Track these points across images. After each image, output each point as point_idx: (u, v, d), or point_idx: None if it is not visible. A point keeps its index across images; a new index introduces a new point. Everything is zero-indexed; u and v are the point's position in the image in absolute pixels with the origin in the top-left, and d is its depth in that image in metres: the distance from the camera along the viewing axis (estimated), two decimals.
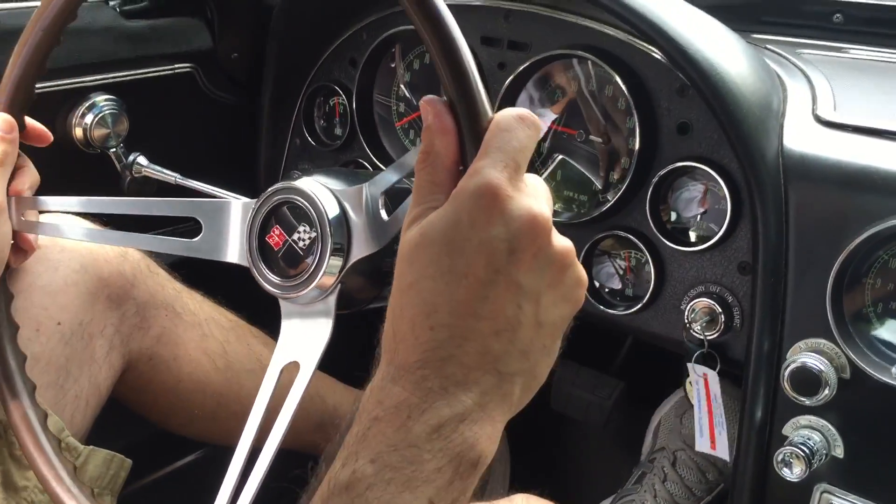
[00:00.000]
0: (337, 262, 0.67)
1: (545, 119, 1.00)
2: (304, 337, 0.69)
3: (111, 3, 1.12)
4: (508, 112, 0.53)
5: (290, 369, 0.67)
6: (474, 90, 0.54)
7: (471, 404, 0.49)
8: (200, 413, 1.01)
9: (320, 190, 0.69)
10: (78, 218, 0.83)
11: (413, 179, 0.61)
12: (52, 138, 0.77)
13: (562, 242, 0.52)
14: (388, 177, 0.66)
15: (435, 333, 0.49)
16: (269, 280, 0.70)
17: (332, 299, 0.68)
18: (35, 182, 0.76)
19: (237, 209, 0.71)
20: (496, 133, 0.51)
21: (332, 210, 0.68)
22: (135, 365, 0.94)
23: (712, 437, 0.90)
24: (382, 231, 0.66)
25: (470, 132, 0.54)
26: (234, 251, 0.71)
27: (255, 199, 0.70)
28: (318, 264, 0.68)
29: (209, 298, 1.04)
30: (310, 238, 0.69)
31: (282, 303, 0.70)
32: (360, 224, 0.67)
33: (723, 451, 0.90)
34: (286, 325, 0.70)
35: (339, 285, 0.68)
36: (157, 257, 1.00)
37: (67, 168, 1.09)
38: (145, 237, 0.78)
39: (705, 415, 0.89)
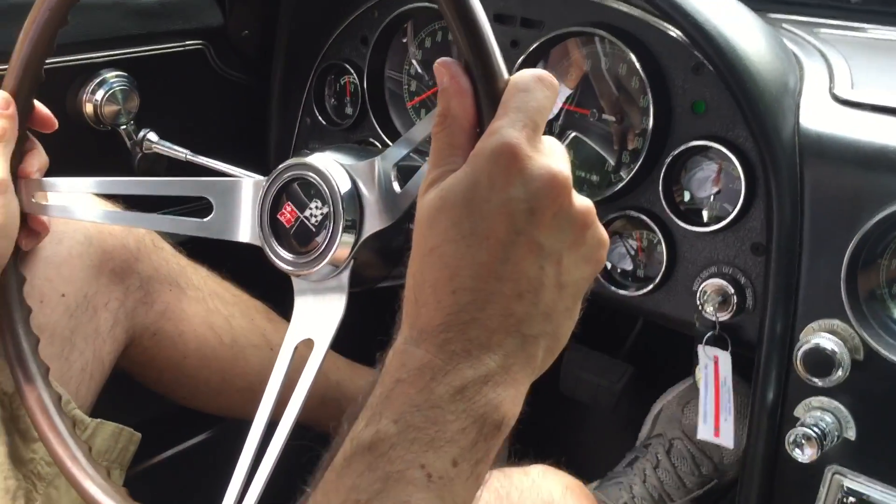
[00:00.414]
0: (349, 237, 0.67)
1: (559, 96, 0.99)
2: (318, 314, 0.69)
3: None
4: (527, 72, 0.52)
5: (304, 346, 0.67)
6: (490, 50, 0.53)
7: (494, 366, 0.49)
8: (205, 387, 1.01)
9: (332, 165, 0.69)
10: (88, 198, 0.83)
11: (423, 152, 0.60)
12: (56, 125, 0.76)
13: (582, 202, 0.52)
14: (399, 150, 0.66)
15: (457, 297, 0.49)
16: (281, 257, 0.69)
17: (346, 275, 0.68)
18: (44, 164, 0.76)
19: (248, 188, 0.71)
20: (514, 93, 0.51)
21: (343, 185, 0.68)
22: (138, 340, 0.95)
23: (717, 425, 0.88)
24: (395, 204, 0.65)
25: (487, 93, 0.53)
26: (245, 231, 0.71)
27: (266, 177, 0.70)
28: (330, 240, 0.67)
29: (214, 272, 1.04)
30: (322, 214, 0.68)
31: (294, 280, 0.70)
32: (372, 198, 0.67)
33: (727, 440, 0.89)
34: (299, 303, 0.70)
35: (352, 261, 0.68)
36: (164, 233, 1.00)
37: (78, 145, 1.09)
38: (156, 217, 0.78)
39: (711, 399, 0.88)
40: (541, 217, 0.49)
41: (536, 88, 0.51)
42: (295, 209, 0.71)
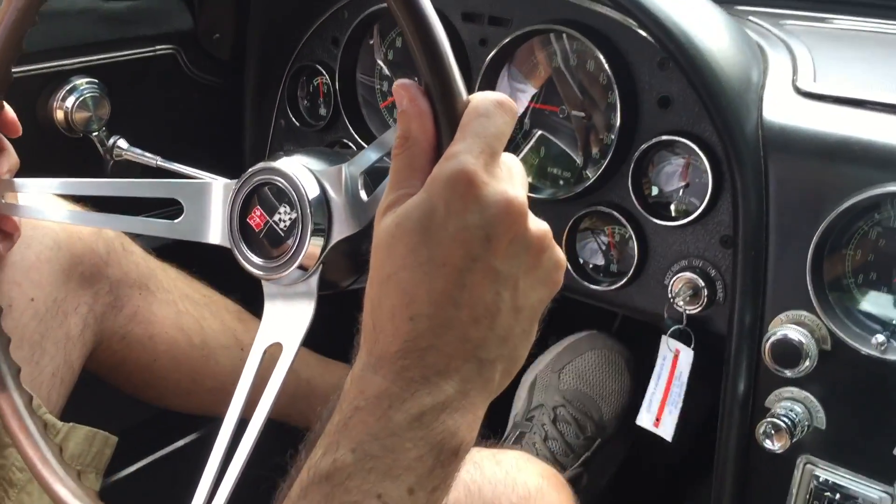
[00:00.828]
0: (318, 242, 0.67)
1: (525, 94, 1.00)
2: (287, 318, 0.69)
3: None
4: (486, 96, 0.52)
5: (273, 350, 0.68)
6: (449, 72, 0.53)
7: (452, 392, 0.49)
8: (175, 388, 1.01)
9: (300, 170, 0.69)
10: (59, 200, 0.83)
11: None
12: (20, 131, 0.76)
13: (538, 226, 0.52)
14: (369, 155, 0.66)
15: (415, 324, 0.49)
16: (250, 261, 0.70)
17: (314, 280, 0.69)
18: (14, 165, 0.76)
19: (218, 190, 0.71)
20: (474, 117, 0.51)
21: (312, 190, 0.68)
22: (108, 344, 0.95)
23: (659, 415, 0.89)
24: (363, 211, 0.66)
25: (445, 116, 0.53)
26: (216, 232, 0.71)
27: (236, 180, 0.70)
28: (298, 245, 0.67)
29: (184, 273, 1.04)
30: (290, 219, 0.69)
31: (264, 284, 0.70)
32: (340, 204, 0.67)
33: (666, 432, 0.90)
34: (269, 307, 0.70)
35: (321, 266, 0.68)
36: (135, 235, 1.00)
37: (49, 152, 1.09)
38: (127, 219, 0.77)
39: (660, 391, 0.89)
40: (497, 244, 0.49)
41: (496, 113, 0.51)
42: (264, 213, 0.71)
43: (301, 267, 0.68)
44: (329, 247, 0.67)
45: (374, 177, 0.66)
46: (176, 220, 0.71)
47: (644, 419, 0.91)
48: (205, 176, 1.02)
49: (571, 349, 1.20)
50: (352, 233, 0.67)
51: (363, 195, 0.65)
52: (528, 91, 0.99)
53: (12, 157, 0.75)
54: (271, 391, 0.65)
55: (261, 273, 0.69)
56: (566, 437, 1.13)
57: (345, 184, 0.67)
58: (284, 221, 0.69)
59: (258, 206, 0.70)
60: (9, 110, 0.75)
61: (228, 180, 0.71)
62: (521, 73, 1.00)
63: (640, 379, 1.20)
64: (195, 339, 1.02)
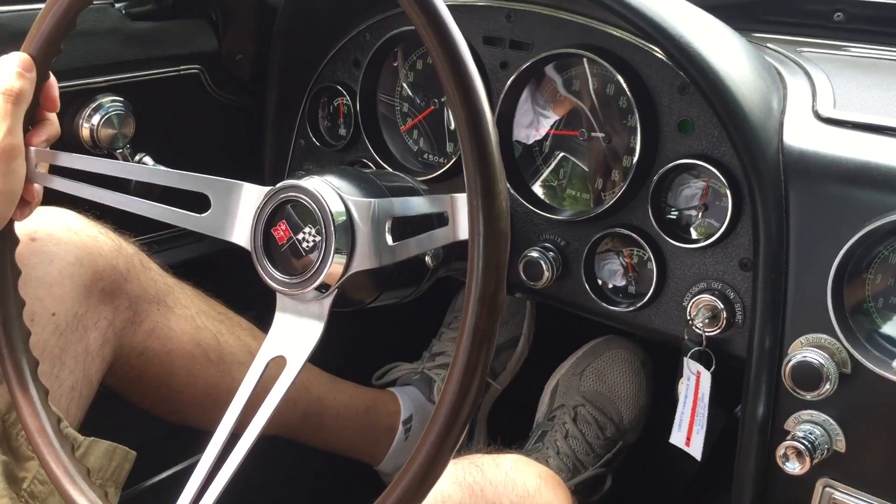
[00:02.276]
0: (338, 268, 0.69)
1: (548, 119, 1.01)
2: (295, 334, 0.70)
3: (117, 6, 1.13)
4: None
5: (277, 362, 0.69)
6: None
7: None
8: (191, 404, 1.02)
9: (330, 194, 0.70)
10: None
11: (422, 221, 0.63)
12: (58, 107, 0.77)
13: None
14: (401, 206, 0.68)
15: None
16: (269, 273, 0.71)
17: (328, 302, 0.70)
18: (54, 136, 0.77)
19: (248, 193, 0.72)
20: None
21: (339, 216, 0.69)
22: (126, 359, 0.96)
23: (689, 434, 0.90)
24: (385, 253, 0.68)
25: None
26: (239, 234, 0.72)
27: (268, 188, 0.71)
28: (318, 267, 0.69)
29: (200, 290, 1.05)
30: (314, 240, 0.70)
31: (278, 297, 0.72)
32: (364, 238, 0.68)
33: (696, 451, 0.90)
34: (280, 318, 0.71)
35: (337, 290, 0.70)
36: (151, 252, 1.01)
37: (75, 169, 1.11)
38: (154, 206, 0.77)
39: (689, 410, 0.90)
40: None
41: None
42: (289, 229, 0.73)
43: (319, 288, 0.69)
44: (348, 274, 0.69)
45: (402, 224, 0.68)
46: (203, 214, 0.72)
47: (676, 438, 0.91)
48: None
49: (591, 352, 1.24)
50: (371, 267, 0.68)
51: (388, 239, 0.67)
52: (551, 116, 1.01)
53: (53, 128, 0.77)
54: (270, 404, 0.66)
55: (277, 286, 0.71)
56: (587, 436, 1.16)
57: (373, 218, 0.68)
58: (308, 242, 0.71)
59: (284, 221, 0.72)
60: (53, 84, 0.76)
61: (259, 186, 0.72)
62: (543, 98, 1.01)
63: (655, 380, 1.23)
64: (212, 354, 1.02)
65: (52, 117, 0.77)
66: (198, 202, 0.73)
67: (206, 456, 0.67)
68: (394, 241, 0.67)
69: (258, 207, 0.71)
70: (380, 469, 1.25)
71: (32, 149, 0.75)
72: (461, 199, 0.61)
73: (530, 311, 1.34)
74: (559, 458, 1.15)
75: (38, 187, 0.76)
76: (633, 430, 1.21)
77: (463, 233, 0.61)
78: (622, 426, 1.19)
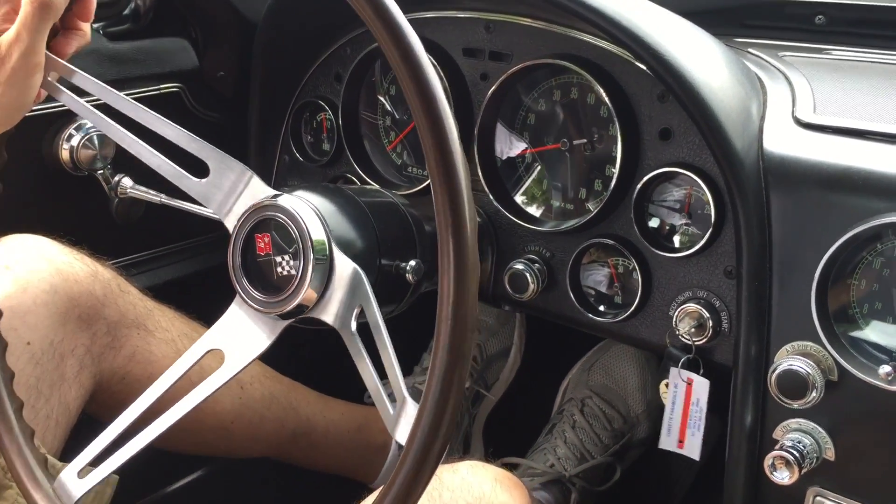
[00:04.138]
0: (308, 301, 0.72)
1: (517, 147, 1.01)
2: (244, 337, 0.73)
3: (94, 26, 1.13)
4: None
5: (215, 355, 0.71)
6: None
7: None
8: (177, 428, 1.01)
9: (317, 230, 0.73)
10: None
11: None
12: (91, 18, 0.76)
13: None
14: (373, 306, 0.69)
15: None
16: (239, 280, 0.74)
17: (283, 325, 0.73)
18: (82, 47, 0.75)
19: (253, 186, 0.74)
20: None
21: (319, 264, 0.72)
22: (107, 385, 0.95)
23: (681, 437, 0.90)
24: (344, 326, 0.70)
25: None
26: (229, 217, 0.74)
27: (272, 192, 0.74)
28: (290, 296, 0.72)
29: (181, 313, 1.05)
30: (289, 269, 0.71)
31: (238, 297, 0.74)
32: (336, 298, 0.71)
33: (692, 452, 0.90)
34: (232, 314, 0.74)
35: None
36: (129, 274, 1.00)
37: (55, 190, 1.10)
38: (155, 154, 0.78)
39: (678, 416, 0.90)
40: None
41: None
42: (271, 246, 0.73)
43: (284, 315, 0.70)
44: (304, 316, 0.72)
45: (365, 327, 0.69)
46: (200, 180, 0.73)
47: (665, 442, 0.92)
48: (208, 212, 1.03)
49: (599, 349, 1.27)
50: (327, 323, 0.71)
51: (353, 325, 0.69)
52: (520, 144, 1.01)
53: (83, 39, 0.75)
54: (196, 396, 0.67)
55: (243, 294, 0.73)
56: (594, 427, 1.18)
57: (350, 285, 0.71)
58: (283, 268, 0.72)
59: (268, 234, 0.73)
60: None
61: (266, 186, 0.74)
62: (523, 106, 1.00)
63: (659, 372, 1.23)
64: (194, 377, 1.02)
65: (85, 27, 0.75)
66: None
67: (105, 434, 0.67)
68: (356, 329, 0.69)
69: (251, 207, 0.73)
70: (374, 486, 1.24)
71: (50, 57, 0.72)
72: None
73: (520, 319, 1.34)
74: (566, 447, 1.17)
75: (42, 93, 0.74)
76: (642, 424, 1.22)
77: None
78: (630, 419, 1.21)
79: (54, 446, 0.87)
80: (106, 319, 0.94)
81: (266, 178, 1.25)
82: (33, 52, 0.69)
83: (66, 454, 0.88)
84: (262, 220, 0.73)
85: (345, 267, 0.71)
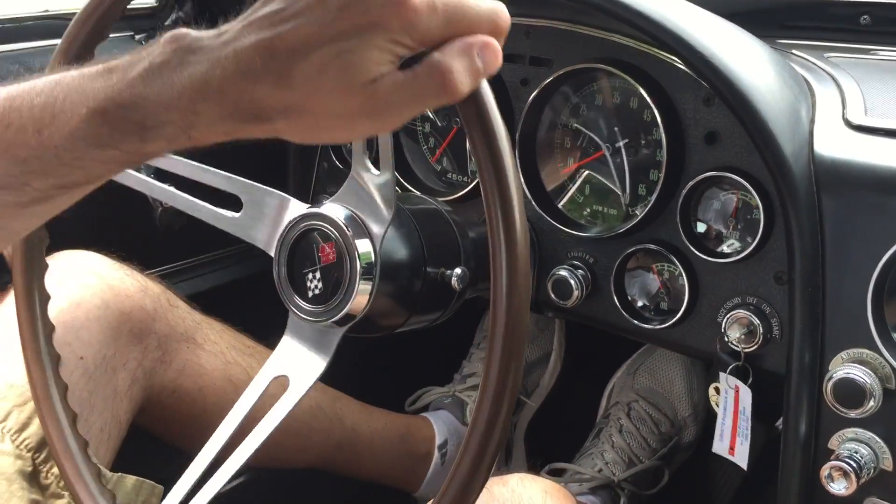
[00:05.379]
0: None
1: (563, 163, 1.00)
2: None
3: (136, 38, 1.14)
4: None
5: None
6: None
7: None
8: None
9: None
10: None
11: None
12: None
13: None
14: None
15: None
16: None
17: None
18: None
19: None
20: None
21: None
22: (157, 399, 0.96)
23: (732, 444, 0.89)
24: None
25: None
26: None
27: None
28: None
29: (228, 324, 1.05)
30: (320, 284, 0.73)
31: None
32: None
33: (741, 460, 0.89)
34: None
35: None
36: (177, 288, 1.01)
37: (99, 199, 1.10)
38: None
39: (730, 421, 0.89)
40: None
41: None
42: (315, 264, 0.74)
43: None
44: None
45: None
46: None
47: (718, 447, 0.91)
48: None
49: (644, 352, 1.25)
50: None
51: None
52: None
53: None
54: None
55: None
56: (641, 431, 1.17)
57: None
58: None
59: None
60: None
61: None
62: (565, 112, 1.00)
63: (705, 375, 1.24)
64: (243, 389, 1.02)
65: None
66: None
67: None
68: None
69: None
70: (418, 496, 1.24)
71: None
72: None
73: (560, 325, 1.33)
74: (614, 452, 1.17)
75: None
76: (689, 427, 1.22)
77: None
78: (677, 422, 1.20)
79: (106, 458, 0.88)
80: (157, 334, 0.95)
81: (306, 186, 1.26)
82: None
83: (117, 466, 0.89)
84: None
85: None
